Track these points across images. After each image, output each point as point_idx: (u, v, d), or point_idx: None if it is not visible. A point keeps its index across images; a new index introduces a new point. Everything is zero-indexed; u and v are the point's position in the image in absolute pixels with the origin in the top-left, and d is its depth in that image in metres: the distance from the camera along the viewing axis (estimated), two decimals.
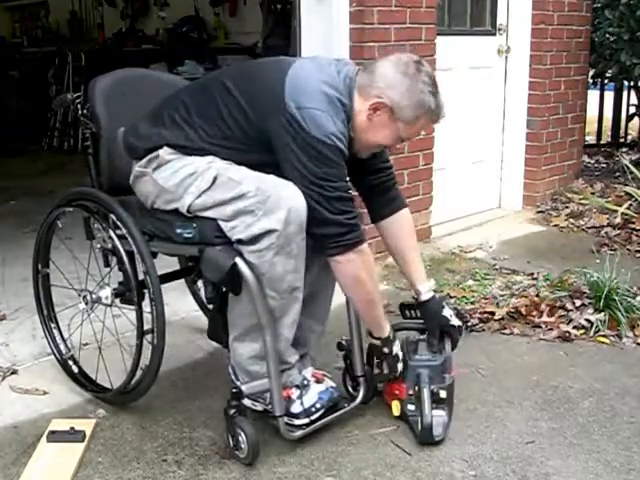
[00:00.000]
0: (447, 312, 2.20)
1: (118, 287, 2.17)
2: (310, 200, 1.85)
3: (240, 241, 1.88)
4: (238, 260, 1.87)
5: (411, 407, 2.10)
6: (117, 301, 2.19)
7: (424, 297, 2.20)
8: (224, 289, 2.03)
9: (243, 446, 1.94)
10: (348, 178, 1.97)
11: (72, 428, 2.07)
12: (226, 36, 7.59)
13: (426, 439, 2.03)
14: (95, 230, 2.16)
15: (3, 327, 2.87)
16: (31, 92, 7.73)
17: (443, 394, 2.08)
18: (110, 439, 2.09)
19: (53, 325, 2.44)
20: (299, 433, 2.02)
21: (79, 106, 2.23)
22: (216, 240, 1.91)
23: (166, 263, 2.41)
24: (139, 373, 2.11)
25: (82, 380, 2.33)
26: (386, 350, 2.09)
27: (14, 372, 2.47)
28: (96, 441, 2.08)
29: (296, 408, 2.05)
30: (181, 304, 2.88)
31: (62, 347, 2.41)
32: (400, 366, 2.10)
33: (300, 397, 2.05)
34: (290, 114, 1.84)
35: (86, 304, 2.23)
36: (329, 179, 1.85)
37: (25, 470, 1.93)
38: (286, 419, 2.01)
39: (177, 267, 2.63)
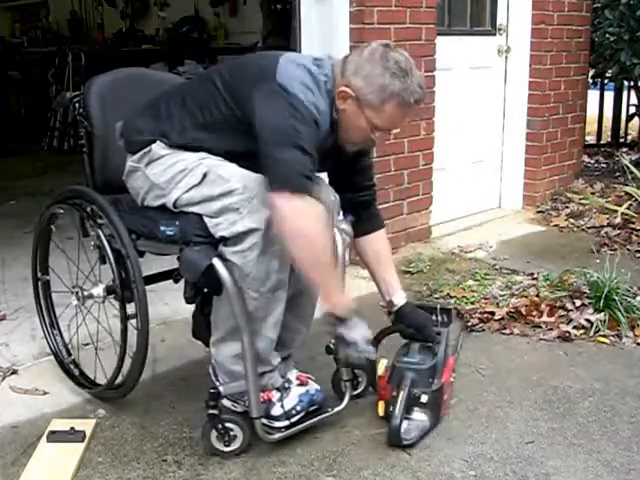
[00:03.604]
0: (422, 317, 2.16)
1: (110, 284, 2.16)
2: (274, 148, 1.82)
3: (224, 241, 1.87)
4: (215, 261, 1.86)
5: (392, 408, 2.06)
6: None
7: (401, 303, 2.19)
8: (205, 290, 2.02)
9: (238, 434, 1.96)
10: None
11: (72, 428, 2.07)
12: (226, 36, 7.58)
13: (393, 442, 2.01)
14: (89, 228, 2.17)
15: (3, 327, 2.87)
16: (31, 92, 7.74)
17: (424, 398, 2.04)
18: (110, 439, 2.09)
19: (55, 332, 2.44)
20: (277, 436, 2.01)
21: (76, 105, 2.24)
22: (196, 239, 1.91)
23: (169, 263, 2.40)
24: (128, 363, 2.11)
25: (83, 381, 2.33)
26: (332, 330, 1.90)
27: (14, 372, 2.47)
28: (96, 441, 2.08)
29: (276, 411, 2.03)
30: (182, 304, 2.84)
31: (64, 352, 2.41)
32: (352, 357, 1.89)
33: (281, 400, 2.04)
34: (279, 83, 1.86)
35: (78, 300, 2.23)
36: (299, 134, 1.82)
37: (25, 470, 1.93)
38: (266, 421, 2.01)
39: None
